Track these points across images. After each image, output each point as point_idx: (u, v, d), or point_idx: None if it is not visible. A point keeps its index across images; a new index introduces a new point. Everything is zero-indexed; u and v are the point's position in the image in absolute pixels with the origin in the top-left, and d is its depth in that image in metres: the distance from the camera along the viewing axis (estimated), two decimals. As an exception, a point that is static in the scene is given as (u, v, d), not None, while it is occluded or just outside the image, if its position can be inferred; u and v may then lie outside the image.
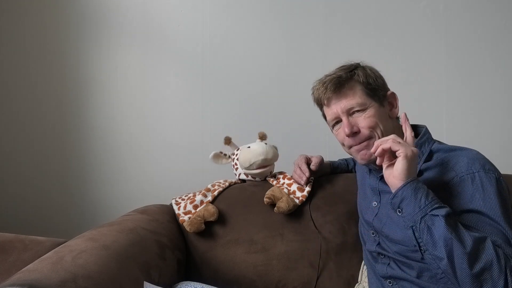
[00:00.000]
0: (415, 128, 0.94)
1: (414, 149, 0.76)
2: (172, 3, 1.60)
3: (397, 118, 0.94)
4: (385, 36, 1.57)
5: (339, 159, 1.26)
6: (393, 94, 0.92)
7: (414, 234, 0.74)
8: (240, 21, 1.60)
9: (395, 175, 0.75)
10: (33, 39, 1.61)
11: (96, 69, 1.60)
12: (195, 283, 0.87)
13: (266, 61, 1.60)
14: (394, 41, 1.57)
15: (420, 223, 0.72)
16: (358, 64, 0.93)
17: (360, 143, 0.88)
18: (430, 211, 0.71)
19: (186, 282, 0.89)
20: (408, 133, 0.82)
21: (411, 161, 0.74)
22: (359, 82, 0.88)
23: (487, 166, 0.78)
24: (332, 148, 1.54)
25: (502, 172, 1.13)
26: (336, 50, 1.58)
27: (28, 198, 1.61)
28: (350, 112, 0.88)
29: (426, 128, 0.92)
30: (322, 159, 1.17)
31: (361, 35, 1.58)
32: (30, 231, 1.23)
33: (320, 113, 1.01)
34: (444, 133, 1.55)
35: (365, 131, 0.86)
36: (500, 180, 0.77)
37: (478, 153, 0.83)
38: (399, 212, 0.75)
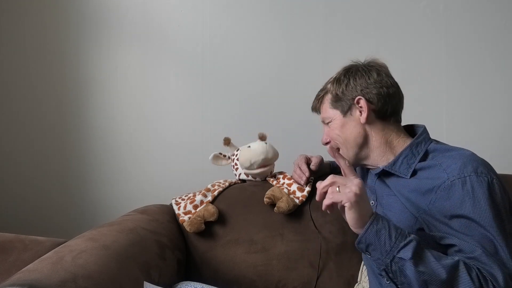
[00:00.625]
0: (413, 128, 0.95)
1: (356, 184, 0.71)
2: (172, 3, 1.60)
3: (385, 116, 0.91)
4: (385, 36, 1.57)
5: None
6: (360, 99, 0.90)
7: (388, 275, 0.73)
8: (240, 21, 1.60)
9: (351, 224, 0.72)
10: (33, 39, 1.61)
11: (96, 69, 1.60)
12: (195, 283, 0.87)
13: (266, 61, 1.60)
14: (394, 41, 1.57)
15: (391, 266, 0.70)
16: (351, 67, 0.95)
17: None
18: (397, 253, 0.69)
19: (186, 282, 0.89)
20: (342, 164, 0.77)
21: (359, 204, 0.70)
22: (329, 93, 0.96)
23: (480, 169, 0.77)
24: (332, 148, 1.54)
25: (502, 172, 1.13)
26: (336, 50, 1.58)
27: (28, 198, 1.61)
28: (325, 123, 0.99)
29: (424, 128, 0.92)
30: (322, 159, 1.17)
31: (361, 35, 1.58)
32: (30, 231, 1.23)
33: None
34: (444, 133, 1.55)
35: (332, 142, 0.97)
36: (493, 183, 0.76)
37: (472, 154, 0.82)
38: (369, 255, 0.74)
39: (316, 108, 1.02)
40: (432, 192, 0.79)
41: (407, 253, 0.69)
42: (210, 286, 0.87)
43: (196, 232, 1.10)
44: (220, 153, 1.24)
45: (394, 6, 1.57)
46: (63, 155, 1.61)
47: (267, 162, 1.17)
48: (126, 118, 1.61)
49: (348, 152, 0.94)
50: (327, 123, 0.97)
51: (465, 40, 1.56)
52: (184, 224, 1.10)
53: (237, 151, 1.22)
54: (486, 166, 0.79)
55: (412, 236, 0.71)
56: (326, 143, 0.99)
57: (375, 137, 0.91)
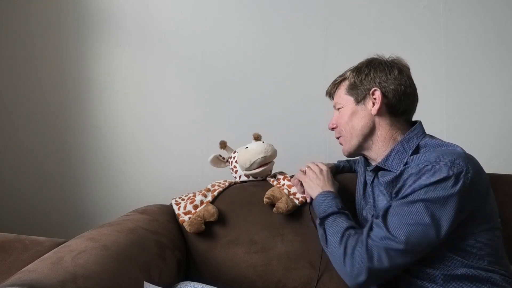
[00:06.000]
0: (413, 124, 0.96)
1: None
2: (172, 3, 1.60)
3: (397, 112, 0.93)
4: (385, 36, 1.57)
5: (339, 161, 1.26)
6: (375, 90, 0.91)
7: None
8: (240, 21, 1.60)
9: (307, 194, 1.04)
10: (33, 40, 1.61)
11: (96, 69, 1.60)
12: (195, 283, 0.87)
13: (266, 61, 1.60)
14: (394, 41, 1.57)
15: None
16: (371, 60, 0.96)
17: (336, 138, 1.03)
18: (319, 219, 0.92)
19: (186, 282, 0.89)
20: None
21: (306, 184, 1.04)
22: (348, 80, 0.97)
23: (458, 161, 0.76)
24: (332, 147, 1.54)
25: (502, 172, 1.13)
26: (336, 51, 1.58)
27: (28, 198, 1.61)
28: (336, 109, 1.01)
29: (419, 123, 0.94)
30: (330, 169, 1.17)
31: (361, 35, 1.58)
32: (30, 231, 1.23)
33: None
34: (444, 133, 1.55)
35: (338, 127, 1.00)
36: (466, 176, 0.75)
37: (463, 152, 0.81)
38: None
39: (331, 92, 1.04)
40: (406, 173, 0.81)
41: (320, 216, 0.91)
42: (210, 286, 0.87)
43: (196, 232, 1.10)
44: (220, 155, 1.24)
45: (394, 6, 1.58)
46: (63, 155, 1.61)
47: (267, 160, 1.17)
48: (126, 118, 1.61)
49: (351, 140, 0.95)
50: (338, 109, 0.99)
51: (465, 40, 1.56)
52: (184, 224, 1.10)
53: (234, 153, 1.22)
54: (469, 162, 0.78)
55: (335, 210, 0.90)
56: (332, 128, 1.02)
57: (381, 130, 0.92)
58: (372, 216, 0.92)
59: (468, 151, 0.85)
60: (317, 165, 1.07)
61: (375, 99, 0.91)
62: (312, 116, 1.56)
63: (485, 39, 1.56)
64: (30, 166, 1.61)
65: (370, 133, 0.93)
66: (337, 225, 0.86)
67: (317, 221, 0.93)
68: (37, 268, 0.69)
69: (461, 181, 0.74)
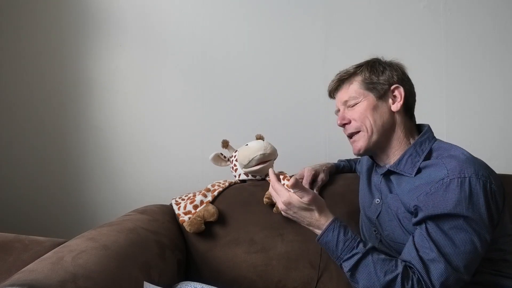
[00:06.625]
0: (418, 127, 0.96)
1: (282, 203, 0.84)
2: (172, 3, 1.60)
3: (409, 113, 0.94)
4: (385, 36, 1.57)
5: (339, 160, 1.26)
6: (397, 87, 0.90)
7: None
8: (240, 22, 1.60)
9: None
10: (33, 40, 1.61)
11: (96, 69, 1.60)
12: (195, 283, 0.87)
13: (266, 61, 1.60)
14: (394, 41, 1.57)
15: (341, 267, 0.81)
16: (376, 59, 0.95)
17: (349, 134, 0.95)
18: (341, 263, 0.80)
19: (186, 282, 0.89)
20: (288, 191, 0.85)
21: (294, 217, 0.86)
22: (360, 76, 0.93)
23: (481, 172, 0.77)
24: (332, 148, 1.54)
25: (502, 172, 1.13)
26: (335, 51, 1.58)
27: (28, 198, 1.61)
28: (346, 104, 0.94)
29: (428, 127, 0.93)
30: (330, 169, 1.18)
31: (361, 35, 1.58)
32: (30, 231, 1.23)
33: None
34: (444, 133, 1.55)
35: (353, 123, 0.92)
36: (491, 187, 0.76)
37: (473, 156, 0.82)
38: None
39: (337, 88, 0.98)
40: (428, 185, 0.79)
41: (347, 265, 0.78)
42: (210, 286, 0.87)
43: (196, 232, 1.10)
44: (221, 154, 1.24)
45: (394, 6, 1.58)
46: (63, 155, 1.61)
47: (266, 158, 1.16)
48: (126, 118, 1.61)
49: (372, 136, 0.90)
50: (353, 105, 0.92)
51: (465, 40, 1.56)
52: (184, 224, 1.10)
53: (235, 152, 1.22)
54: (487, 169, 0.79)
55: (360, 249, 0.77)
56: (344, 124, 0.95)
57: (399, 128, 0.91)
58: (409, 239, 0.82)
59: (468, 151, 0.85)
60: (278, 196, 0.86)
61: (395, 96, 0.90)
62: (312, 116, 1.56)
63: (485, 39, 1.56)
64: (30, 166, 1.61)
65: (389, 130, 0.90)
66: (387, 272, 0.75)
67: (346, 272, 0.80)
68: (37, 268, 0.69)
69: (489, 192, 0.75)
